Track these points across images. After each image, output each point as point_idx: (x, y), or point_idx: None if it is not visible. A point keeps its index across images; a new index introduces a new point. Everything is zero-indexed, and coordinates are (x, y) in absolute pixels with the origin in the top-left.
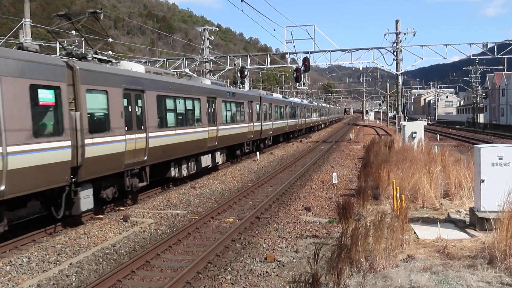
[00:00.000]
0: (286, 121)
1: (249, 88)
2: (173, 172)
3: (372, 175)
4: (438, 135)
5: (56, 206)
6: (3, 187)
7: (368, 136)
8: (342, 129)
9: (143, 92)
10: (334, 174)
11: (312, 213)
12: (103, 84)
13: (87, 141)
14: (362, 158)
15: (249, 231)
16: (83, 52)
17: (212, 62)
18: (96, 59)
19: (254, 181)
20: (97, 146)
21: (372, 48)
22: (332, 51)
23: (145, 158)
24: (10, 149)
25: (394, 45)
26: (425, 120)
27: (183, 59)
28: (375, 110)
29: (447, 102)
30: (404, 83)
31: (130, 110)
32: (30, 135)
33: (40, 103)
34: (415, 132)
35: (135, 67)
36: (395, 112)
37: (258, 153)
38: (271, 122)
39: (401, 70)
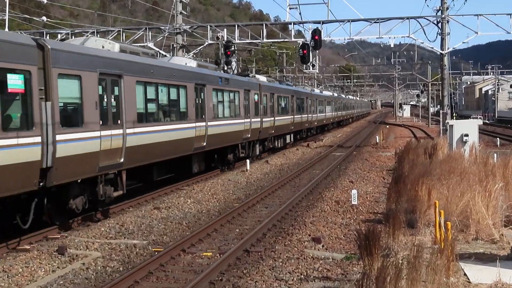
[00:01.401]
0: (292, 116)
1: (237, 71)
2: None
3: (406, 194)
4: (498, 139)
5: (24, 213)
6: None
7: (401, 140)
8: (365, 129)
9: (120, 78)
10: (354, 191)
11: (323, 246)
12: (76, 68)
13: (58, 137)
14: (393, 169)
15: (235, 270)
16: None
17: (186, 34)
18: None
19: (243, 200)
20: (70, 144)
21: (408, 18)
22: (353, 21)
23: (122, 160)
24: None
25: (439, 14)
26: (480, 118)
27: (145, 29)
28: (411, 103)
29: None
30: (452, 67)
31: (105, 100)
32: None
33: (9, 90)
34: (466, 135)
35: (107, 45)
36: (438, 106)
37: (248, 161)
38: (272, 118)
39: (448, 48)
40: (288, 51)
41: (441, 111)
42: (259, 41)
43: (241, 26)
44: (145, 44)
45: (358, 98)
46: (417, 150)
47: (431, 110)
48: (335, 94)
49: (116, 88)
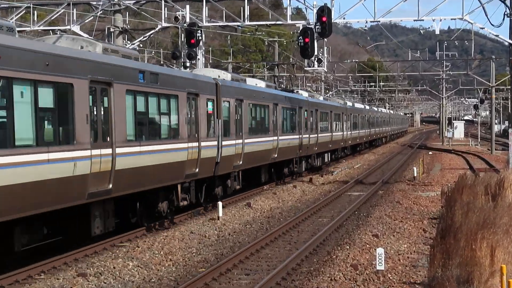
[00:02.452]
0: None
1: (206, 67)
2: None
3: (458, 255)
4: None
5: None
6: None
7: (450, 173)
8: (397, 157)
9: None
10: (380, 251)
11: None
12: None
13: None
14: (438, 218)
15: None
16: None
17: (129, 13)
18: None
19: (212, 263)
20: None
21: None
22: None
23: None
24: None
25: None
26: None
27: (69, 4)
28: (465, 118)
29: None
30: None
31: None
32: None
33: None
34: None
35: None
36: (506, 123)
37: (220, 204)
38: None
39: None
40: (282, 39)
41: (510, 130)
42: (238, 23)
43: (212, 2)
44: (68, 27)
45: (391, 111)
46: (474, 189)
47: (495, 128)
48: (367, 107)
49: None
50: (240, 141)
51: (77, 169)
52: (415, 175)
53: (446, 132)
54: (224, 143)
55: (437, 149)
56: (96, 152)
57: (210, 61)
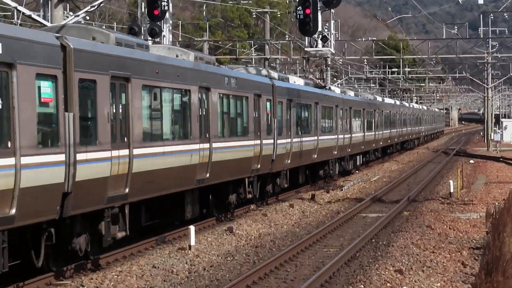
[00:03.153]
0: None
1: (174, 44)
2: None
3: None
4: None
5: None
6: None
7: (498, 188)
8: (428, 166)
9: (128, 82)
10: None
11: None
12: (92, 70)
13: (78, 156)
14: (482, 247)
15: None
16: None
17: None
18: None
19: None
20: (86, 166)
21: None
22: None
23: (126, 190)
24: None
25: None
26: None
27: None
28: None
29: None
30: None
31: (114, 110)
32: None
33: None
34: None
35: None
36: None
37: (193, 229)
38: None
39: None
40: (275, 10)
41: None
42: None
43: None
44: None
45: (424, 107)
46: None
47: None
48: (397, 102)
49: (123, 95)
50: (289, 140)
51: (192, 159)
52: (452, 191)
53: (492, 134)
54: (278, 141)
55: (481, 157)
56: (203, 146)
57: (180, 39)
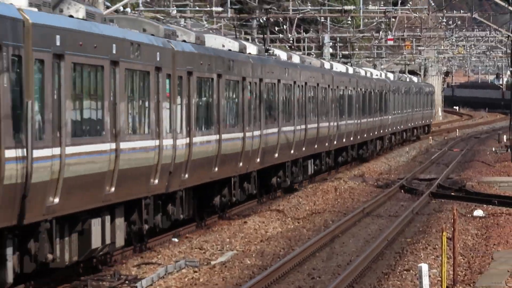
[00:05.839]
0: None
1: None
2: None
3: None
4: None
5: None
6: None
7: None
8: (363, 223)
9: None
10: None
11: None
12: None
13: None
14: None
15: None
16: None
17: None
18: None
19: None
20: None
21: None
22: None
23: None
24: None
25: None
26: None
27: None
28: None
29: None
30: None
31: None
32: None
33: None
34: None
35: None
36: None
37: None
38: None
39: None
40: None
41: None
42: None
43: None
44: None
45: (391, 75)
46: None
47: None
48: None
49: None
50: (187, 140)
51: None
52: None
53: None
54: (178, 142)
55: (503, 201)
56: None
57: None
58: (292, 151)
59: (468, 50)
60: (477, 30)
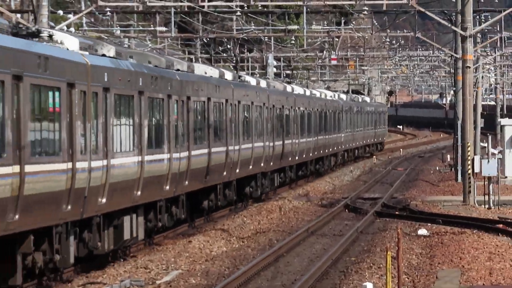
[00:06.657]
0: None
1: None
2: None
3: None
4: None
5: None
6: None
7: None
8: (307, 243)
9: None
10: None
11: None
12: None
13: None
14: None
15: None
16: None
17: None
18: None
19: None
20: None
21: None
22: None
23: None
24: None
25: None
26: None
27: None
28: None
29: None
30: None
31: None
32: None
33: None
34: None
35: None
36: None
37: None
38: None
39: None
40: None
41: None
42: None
43: None
44: None
45: (343, 96)
46: None
47: None
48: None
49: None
50: (105, 162)
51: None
52: None
53: (477, 159)
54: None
55: (448, 220)
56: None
57: None
58: (224, 173)
59: (411, 70)
60: (420, 49)
